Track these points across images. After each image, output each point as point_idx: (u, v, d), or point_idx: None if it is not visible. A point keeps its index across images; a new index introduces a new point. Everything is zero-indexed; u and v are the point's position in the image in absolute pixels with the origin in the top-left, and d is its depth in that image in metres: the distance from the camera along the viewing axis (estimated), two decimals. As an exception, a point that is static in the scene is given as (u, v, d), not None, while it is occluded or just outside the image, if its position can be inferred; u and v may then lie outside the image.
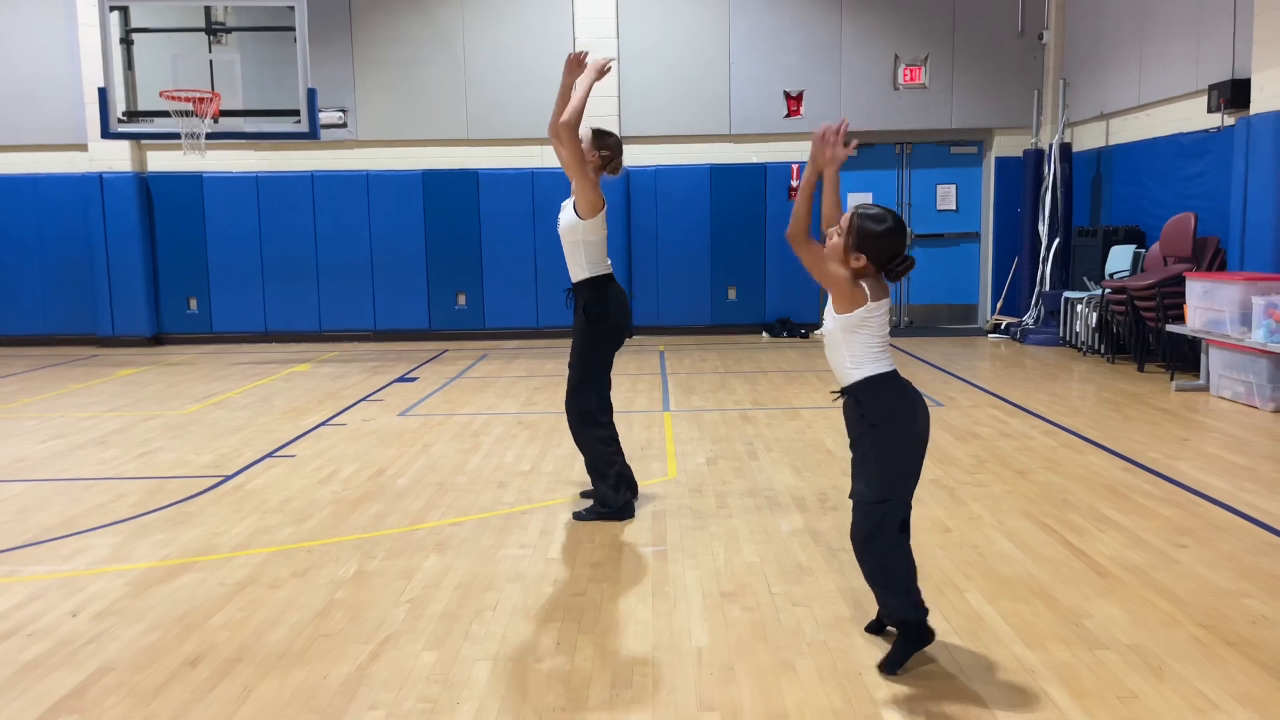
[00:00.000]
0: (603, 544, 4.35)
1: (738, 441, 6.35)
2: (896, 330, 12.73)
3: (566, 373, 4.81)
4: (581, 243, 4.60)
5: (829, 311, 3.09)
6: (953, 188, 12.88)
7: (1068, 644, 3.23)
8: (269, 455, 6.21)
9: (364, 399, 8.24)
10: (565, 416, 4.80)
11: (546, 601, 3.70)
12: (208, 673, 3.16)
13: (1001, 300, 12.35)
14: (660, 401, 7.87)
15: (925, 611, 3.10)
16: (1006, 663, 3.10)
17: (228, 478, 5.66)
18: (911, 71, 12.35)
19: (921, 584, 3.16)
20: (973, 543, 4.25)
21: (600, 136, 4.69)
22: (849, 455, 3.13)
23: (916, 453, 3.06)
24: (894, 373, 3.06)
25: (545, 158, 12.47)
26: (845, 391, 3.09)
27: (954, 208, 12.91)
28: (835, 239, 3.03)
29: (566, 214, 4.64)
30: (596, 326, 4.63)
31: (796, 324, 12.41)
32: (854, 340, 3.02)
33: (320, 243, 12.42)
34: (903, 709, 2.82)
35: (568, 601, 3.70)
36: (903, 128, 12.51)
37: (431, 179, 12.38)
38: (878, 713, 2.81)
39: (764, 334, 12.45)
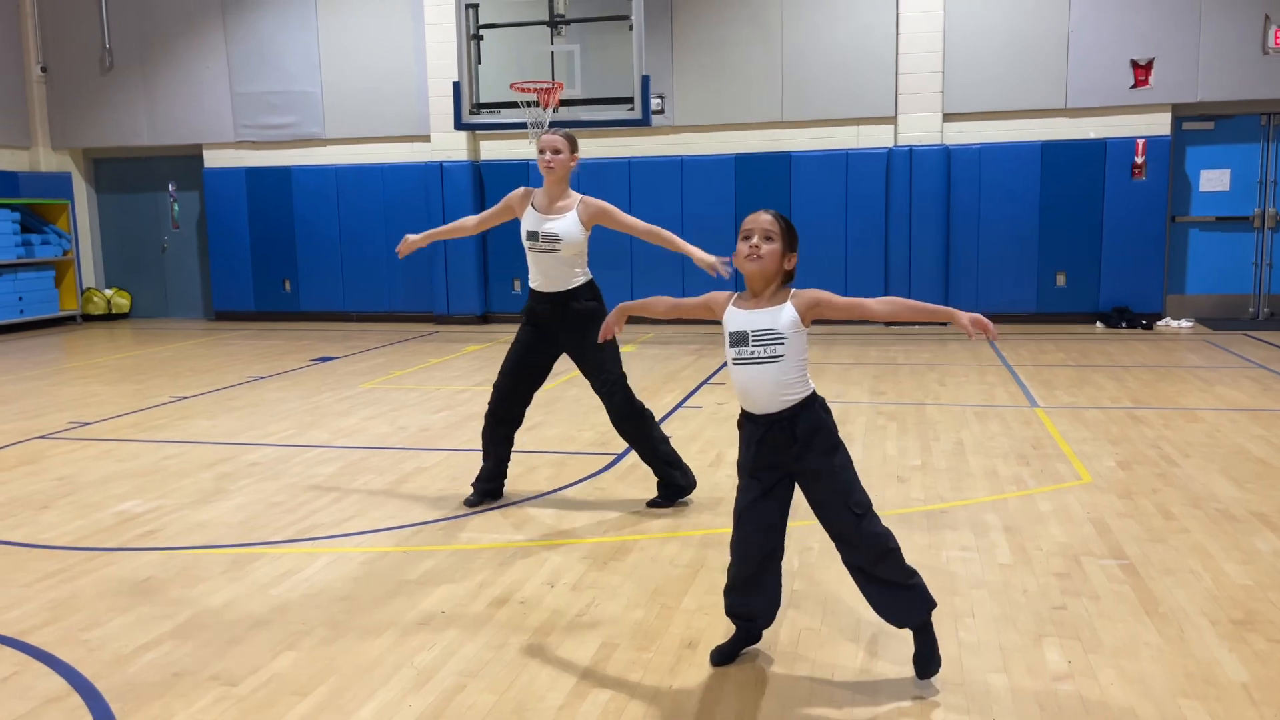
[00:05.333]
0: (1052, 552, 4.07)
1: (1140, 444, 5.83)
2: (1254, 322, 11.42)
3: (606, 384, 4.80)
4: (584, 252, 4.75)
5: (785, 324, 2.94)
6: (1331, 162, 11.34)
7: None
8: (647, 436, 6.36)
9: (705, 382, 8.33)
10: (629, 424, 4.79)
11: (1025, 613, 3.48)
12: (703, 653, 3.19)
13: (1395, 291, 10.75)
14: (1022, 396, 7.40)
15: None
16: None
17: (619, 456, 5.84)
18: (1287, 31, 10.94)
19: None
20: None
21: (576, 141, 4.72)
22: None
23: None
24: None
25: (861, 138, 12.15)
26: (801, 406, 2.97)
27: (1332, 185, 11.36)
28: (770, 244, 2.97)
29: (573, 229, 4.63)
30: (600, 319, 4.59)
31: (1136, 314, 11.39)
32: (804, 352, 2.99)
33: (605, 233, 12.71)
34: None
35: (1049, 614, 3.46)
36: (1272, 96, 11.12)
37: (744, 162, 12.38)
38: None
39: (1098, 324, 11.52)
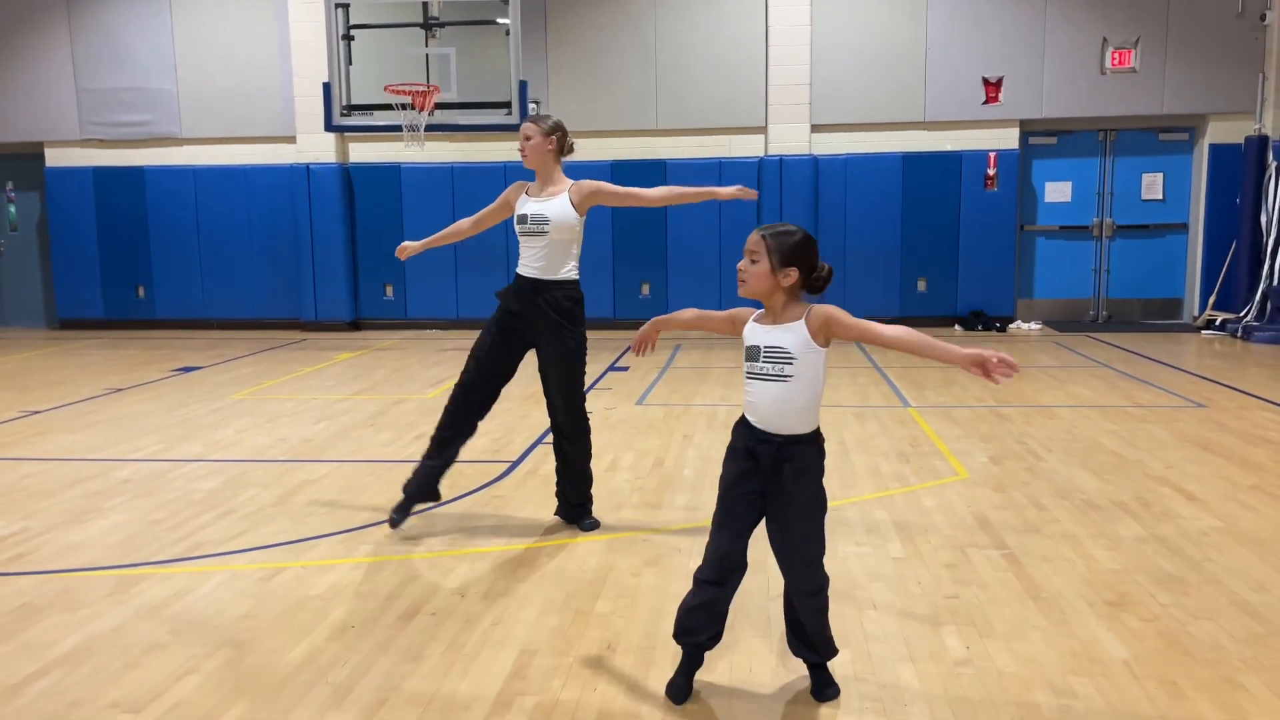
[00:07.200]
0: (939, 545, 4.29)
1: (1007, 440, 6.20)
2: (1095, 324, 12.28)
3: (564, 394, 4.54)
4: (578, 240, 4.54)
5: (800, 345, 2.81)
6: (1159, 176, 12.31)
7: None
8: (539, 441, 6.35)
9: (592, 386, 8.37)
10: (572, 444, 4.57)
11: (922, 603, 3.66)
12: (630, 660, 3.23)
13: (1214, 295, 11.76)
14: (895, 397, 7.75)
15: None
16: None
17: (516, 463, 5.81)
18: (1120, 55, 11.83)
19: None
20: (1349, 557, 4.04)
21: (557, 125, 4.56)
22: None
23: None
24: None
25: (734, 147, 12.45)
26: (797, 441, 2.85)
27: (1160, 197, 12.34)
28: (755, 264, 2.85)
29: (565, 211, 4.44)
30: (579, 328, 4.54)
31: (991, 317, 12.08)
32: (817, 382, 2.85)
33: (510, 233, 12.60)
34: (1392, 735, 2.69)
35: (944, 604, 3.65)
36: (1108, 114, 12.02)
37: (619, 169, 12.47)
38: (1366, 738, 2.68)
39: (956, 327, 12.16)
